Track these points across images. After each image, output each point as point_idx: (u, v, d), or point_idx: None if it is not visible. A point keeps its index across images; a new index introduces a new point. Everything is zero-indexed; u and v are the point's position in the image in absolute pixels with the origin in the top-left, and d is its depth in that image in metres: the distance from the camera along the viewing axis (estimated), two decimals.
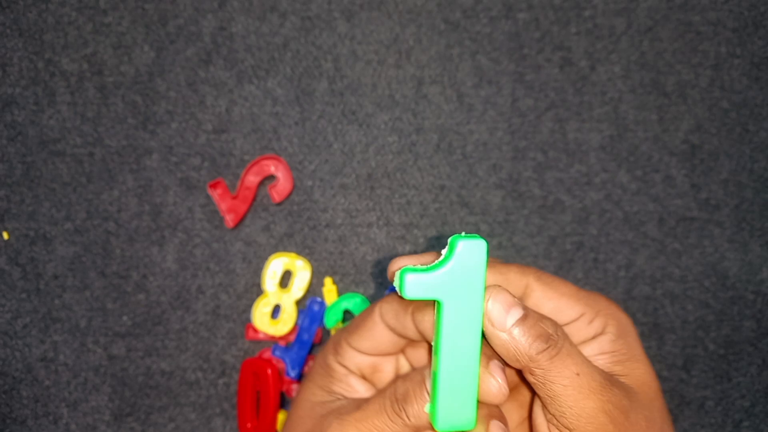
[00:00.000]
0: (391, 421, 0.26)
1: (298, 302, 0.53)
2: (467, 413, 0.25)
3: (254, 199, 0.53)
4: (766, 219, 0.56)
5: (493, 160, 0.55)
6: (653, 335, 0.54)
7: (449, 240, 0.25)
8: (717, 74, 0.57)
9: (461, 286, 0.24)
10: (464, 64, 0.55)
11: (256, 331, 0.52)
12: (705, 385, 0.54)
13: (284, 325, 0.52)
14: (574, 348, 0.26)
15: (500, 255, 0.54)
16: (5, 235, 0.53)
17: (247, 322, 0.53)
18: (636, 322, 0.54)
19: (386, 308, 0.29)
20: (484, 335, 0.25)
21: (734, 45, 0.57)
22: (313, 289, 0.54)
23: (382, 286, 0.53)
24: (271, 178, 0.54)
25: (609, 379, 0.26)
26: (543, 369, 0.24)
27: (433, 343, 0.26)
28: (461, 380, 0.25)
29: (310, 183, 0.54)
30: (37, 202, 0.53)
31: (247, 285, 0.53)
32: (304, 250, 0.53)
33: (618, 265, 0.54)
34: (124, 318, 0.53)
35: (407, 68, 0.55)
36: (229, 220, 0.53)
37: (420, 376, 0.26)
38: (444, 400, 0.25)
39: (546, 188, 0.55)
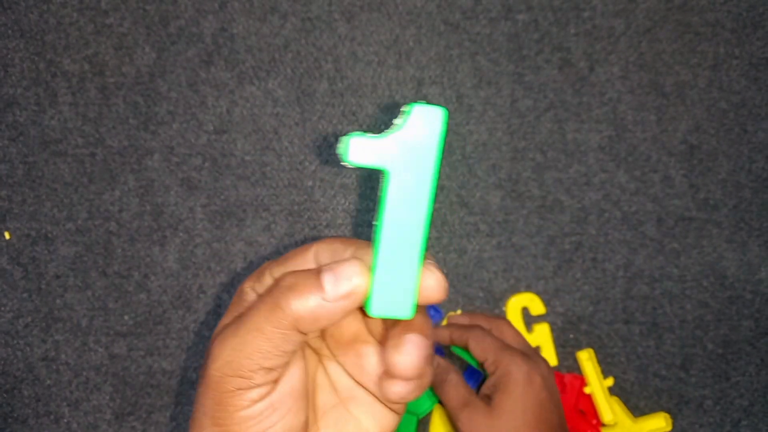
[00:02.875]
0: (270, 321, 0.22)
1: None
2: (406, 300, 0.22)
3: None
4: (765, 219, 0.56)
5: (492, 161, 0.55)
6: (652, 335, 0.54)
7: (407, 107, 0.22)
8: (715, 75, 0.57)
9: (412, 155, 0.21)
10: (464, 65, 0.56)
11: None
12: (704, 384, 0.54)
13: None
14: (458, 380, 0.44)
15: (499, 255, 0.54)
16: (7, 235, 0.53)
17: None
18: (635, 322, 0.54)
19: (324, 246, 0.26)
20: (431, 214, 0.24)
21: (733, 46, 0.57)
22: None
23: None
24: None
25: (468, 400, 0.43)
26: (438, 393, 0.44)
27: (375, 221, 0.23)
28: (402, 262, 0.22)
29: (310, 183, 0.54)
30: (38, 202, 0.54)
31: None
32: None
33: (617, 264, 0.55)
34: (126, 317, 0.53)
35: (407, 69, 0.55)
36: None
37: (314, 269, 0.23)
38: (381, 282, 0.22)
39: (545, 188, 0.55)
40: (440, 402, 0.49)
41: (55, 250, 0.53)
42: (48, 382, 0.52)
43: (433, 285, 0.23)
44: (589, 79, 0.56)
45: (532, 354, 0.46)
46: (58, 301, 0.53)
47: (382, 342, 0.25)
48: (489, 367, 0.44)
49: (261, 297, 0.23)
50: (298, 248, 0.27)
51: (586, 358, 0.52)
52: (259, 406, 0.23)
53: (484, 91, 0.55)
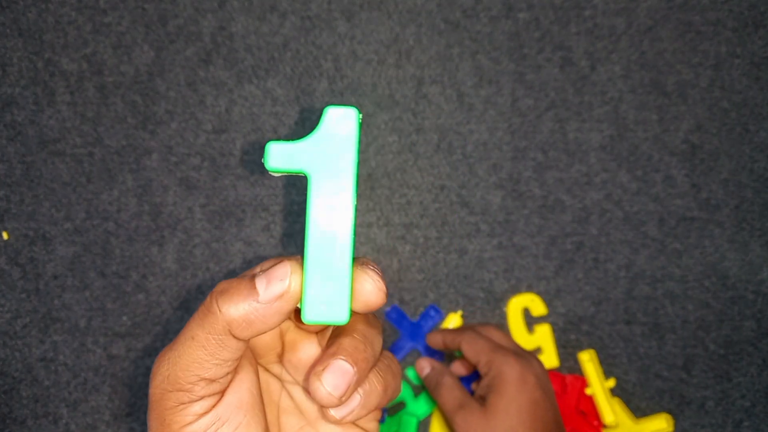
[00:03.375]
0: (203, 328, 0.22)
1: None
2: (340, 304, 0.22)
3: None
4: (767, 219, 0.56)
5: (493, 160, 0.55)
6: (654, 335, 0.54)
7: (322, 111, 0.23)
8: (717, 74, 0.57)
9: (330, 156, 0.22)
10: (464, 63, 0.55)
11: None
12: (705, 385, 0.54)
13: None
14: (453, 383, 0.45)
15: (500, 255, 0.54)
16: (5, 235, 0.53)
17: None
18: (636, 322, 0.54)
19: (270, 261, 0.25)
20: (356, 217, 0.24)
21: (734, 45, 0.57)
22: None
23: None
24: None
25: (464, 401, 0.44)
26: (435, 397, 0.45)
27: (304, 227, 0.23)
28: (332, 265, 0.22)
29: None
30: (36, 202, 0.53)
31: None
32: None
33: (618, 265, 0.54)
34: (124, 318, 0.53)
35: (407, 68, 0.55)
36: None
37: (249, 273, 0.23)
38: (312, 287, 0.22)
39: (546, 188, 0.55)
40: (436, 405, 0.49)
41: (53, 251, 0.53)
42: (46, 382, 0.52)
43: (370, 289, 0.22)
44: (590, 78, 0.56)
45: (524, 354, 0.46)
46: (56, 301, 0.53)
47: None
48: (482, 368, 0.45)
49: (198, 314, 0.23)
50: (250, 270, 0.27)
51: (588, 359, 0.52)
52: (205, 420, 0.22)
53: (485, 90, 0.55)
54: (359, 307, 0.22)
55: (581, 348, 0.53)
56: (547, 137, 0.55)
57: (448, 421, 0.45)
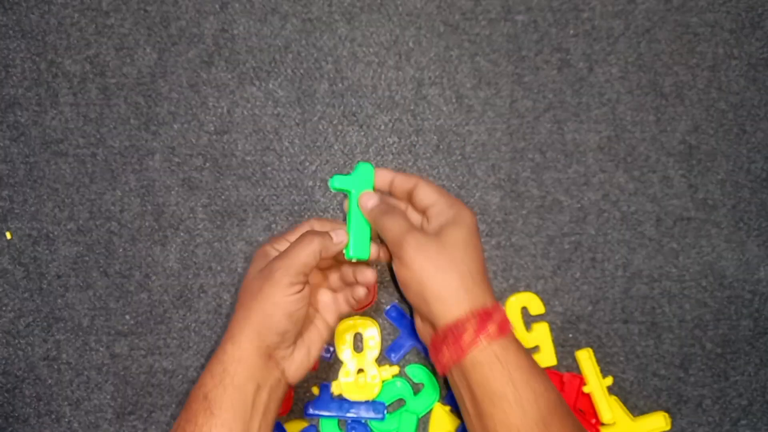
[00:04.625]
0: (311, 248, 0.42)
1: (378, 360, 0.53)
2: (365, 251, 0.45)
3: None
4: (763, 219, 0.56)
5: (491, 161, 0.55)
6: (651, 334, 0.54)
7: (357, 164, 0.46)
8: (714, 75, 0.57)
9: (360, 185, 0.46)
10: (463, 65, 0.56)
11: None
12: (703, 383, 0.54)
13: (371, 388, 0.51)
14: (401, 213, 0.45)
15: (498, 254, 0.54)
16: (8, 235, 0.54)
17: None
18: (633, 321, 0.54)
19: (315, 222, 0.48)
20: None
21: (732, 46, 0.57)
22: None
23: (382, 285, 0.54)
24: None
25: (413, 227, 0.43)
26: (380, 225, 0.44)
27: (347, 213, 0.46)
28: (361, 232, 0.45)
29: (311, 183, 0.55)
30: (39, 202, 0.54)
31: None
32: None
33: (616, 264, 0.55)
34: (127, 317, 0.53)
35: (407, 70, 0.56)
36: None
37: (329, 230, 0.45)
38: (353, 241, 0.45)
39: (544, 188, 0.55)
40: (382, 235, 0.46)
41: (56, 250, 0.54)
42: (49, 381, 0.53)
43: (376, 248, 0.46)
44: (588, 80, 0.56)
45: None
46: (59, 300, 0.53)
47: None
48: (438, 205, 0.44)
49: (300, 239, 0.43)
50: (299, 225, 0.48)
51: (585, 358, 0.52)
52: (297, 295, 0.41)
53: (484, 91, 0.56)
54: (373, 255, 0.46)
55: (579, 346, 0.54)
56: (545, 138, 0.55)
57: (395, 247, 0.43)
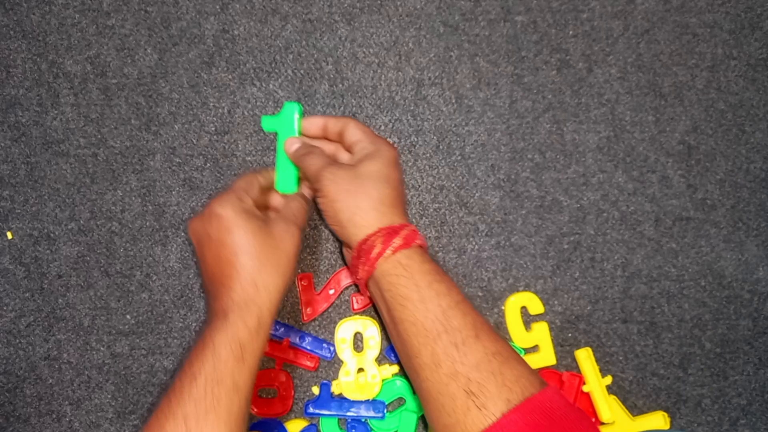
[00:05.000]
0: (251, 184, 0.46)
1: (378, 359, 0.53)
2: (291, 185, 0.50)
3: (334, 302, 0.53)
4: (762, 219, 0.56)
5: (491, 161, 0.55)
6: (650, 333, 0.54)
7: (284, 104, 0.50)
8: (713, 76, 0.57)
9: (287, 124, 0.50)
10: (463, 66, 0.56)
11: None
12: (702, 383, 0.54)
13: (371, 387, 0.51)
14: (320, 152, 0.48)
15: (498, 254, 0.54)
16: (9, 235, 0.54)
17: None
18: (633, 321, 0.54)
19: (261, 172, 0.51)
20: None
21: (731, 47, 0.57)
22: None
23: None
24: (356, 286, 0.53)
25: (331, 162, 0.47)
26: (302, 164, 0.48)
27: (276, 151, 0.50)
28: (287, 168, 0.49)
29: None
30: (41, 203, 0.54)
31: None
32: (305, 249, 0.54)
33: (615, 264, 0.55)
34: (128, 317, 0.53)
35: (407, 70, 0.56)
36: (306, 314, 0.53)
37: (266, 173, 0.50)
38: (279, 176, 0.50)
39: (544, 188, 0.55)
40: (303, 176, 0.50)
41: (57, 250, 0.54)
42: (50, 381, 0.53)
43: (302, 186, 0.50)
44: (587, 80, 0.56)
45: None
46: (60, 300, 0.53)
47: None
48: (362, 142, 0.47)
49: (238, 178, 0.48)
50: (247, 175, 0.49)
51: (585, 357, 0.52)
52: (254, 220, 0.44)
53: (483, 92, 0.56)
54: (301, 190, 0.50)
55: (578, 346, 0.54)
56: (544, 138, 0.56)
57: (315, 181, 0.46)
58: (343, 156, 0.50)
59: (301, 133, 0.50)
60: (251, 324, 0.40)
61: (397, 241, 0.42)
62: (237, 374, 0.38)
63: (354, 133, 0.48)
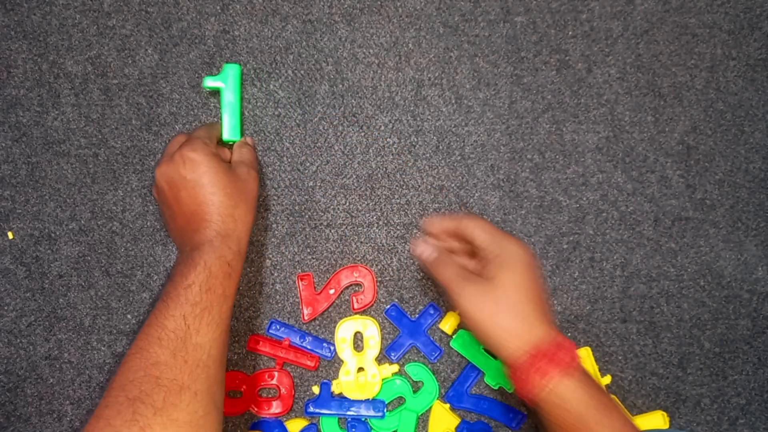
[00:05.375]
0: (210, 133, 0.51)
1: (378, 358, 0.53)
2: (236, 134, 0.53)
3: (334, 301, 0.53)
4: (761, 219, 0.56)
5: (491, 161, 0.56)
6: (649, 333, 0.54)
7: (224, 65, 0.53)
8: (713, 76, 0.57)
9: (228, 82, 0.53)
10: (463, 67, 0.56)
11: (257, 341, 0.53)
12: (701, 383, 0.54)
13: (371, 386, 0.52)
14: (450, 261, 0.46)
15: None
16: (10, 235, 0.54)
17: (249, 320, 0.54)
18: (632, 321, 0.55)
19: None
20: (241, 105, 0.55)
21: (730, 47, 0.57)
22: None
23: (382, 285, 0.54)
24: (357, 286, 0.54)
25: (462, 274, 0.44)
26: (432, 271, 0.46)
27: (220, 105, 0.54)
28: (232, 119, 0.53)
29: (311, 183, 0.55)
30: (41, 202, 0.54)
31: (249, 283, 0.54)
32: (305, 249, 0.54)
33: (614, 264, 0.55)
34: (128, 316, 0.53)
35: (407, 71, 0.56)
36: (306, 314, 0.53)
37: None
38: (226, 128, 0.53)
39: (543, 189, 0.55)
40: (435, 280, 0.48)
41: (58, 250, 0.54)
42: (51, 380, 0.53)
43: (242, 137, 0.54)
44: (586, 81, 0.56)
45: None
46: (61, 300, 0.53)
47: None
48: (489, 247, 0.45)
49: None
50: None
51: (584, 357, 0.53)
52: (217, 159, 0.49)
53: (483, 92, 0.56)
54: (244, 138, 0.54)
55: (578, 345, 0.54)
56: (543, 139, 0.56)
57: (448, 293, 0.44)
58: (469, 263, 0.47)
59: (240, 93, 0.54)
60: (234, 249, 0.45)
61: (551, 370, 0.40)
62: (226, 285, 0.44)
63: (479, 236, 0.45)
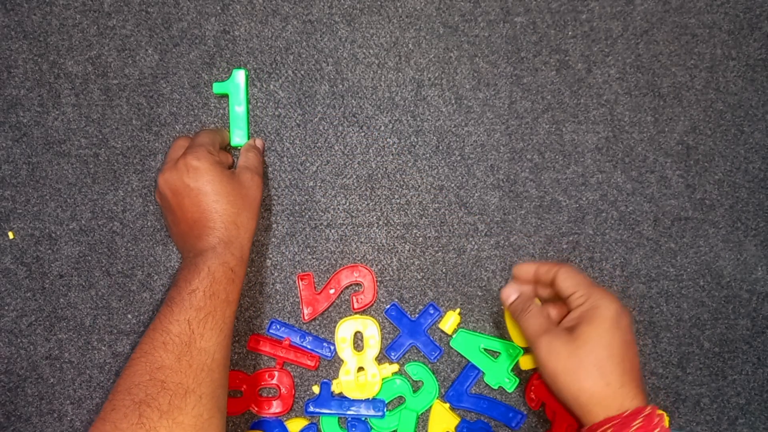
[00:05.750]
0: (214, 140, 0.51)
1: (378, 358, 0.53)
2: (244, 139, 0.54)
3: (334, 301, 0.54)
4: (761, 219, 0.56)
5: (490, 161, 0.56)
6: (648, 333, 0.55)
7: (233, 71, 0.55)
8: (712, 76, 0.57)
9: (235, 87, 0.54)
10: (463, 67, 0.56)
11: (257, 341, 0.53)
12: (700, 382, 0.55)
13: (371, 386, 0.52)
14: (537, 312, 0.45)
15: (497, 254, 0.55)
16: (11, 235, 0.54)
17: (249, 320, 0.54)
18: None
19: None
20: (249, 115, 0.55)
21: (729, 47, 0.58)
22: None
23: (382, 285, 0.54)
24: (357, 286, 0.54)
25: (548, 327, 0.44)
26: (519, 322, 0.46)
27: (229, 110, 0.55)
28: (239, 124, 0.54)
29: (311, 184, 0.55)
30: (42, 203, 0.54)
31: (249, 283, 0.54)
32: (305, 249, 0.54)
33: (613, 264, 0.55)
34: (129, 316, 0.53)
35: (407, 71, 0.56)
36: (306, 313, 0.53)
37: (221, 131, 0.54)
38: (233, 132, 0.54)
39: (543, 189, 0.56)
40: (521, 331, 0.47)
41: (58, 250, 0.54)
42: (51, 380, 0.53)
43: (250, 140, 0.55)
44: (586, 81, 0.56)
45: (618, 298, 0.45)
46: (61, 300, 0.54)
47: None
48: (577, 299, 0.44)
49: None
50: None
51: None
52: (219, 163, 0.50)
53: (483, 92, 0.56)
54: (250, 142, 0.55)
55: None
56: (543, 139, 0.56)
57: (531, 346, 0.44)
58: (556, 312, 0.47)
59: (248, 97, 0.55)
60: (237, 255, 0.46)
61: None
62: (229, 291, 0.45)
63: (569, 286, 0.44)
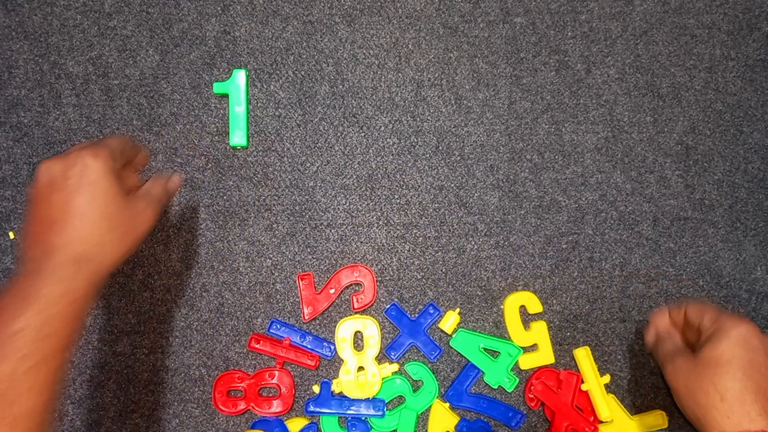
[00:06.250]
0: (123, 151, 0.44)
1: (378, 357, 0.53)
2: (243, 140, 0.54)
3: (334, 301, 0.54)
4: (760, 219, 0.57)
5: (490, 162, 0.56)
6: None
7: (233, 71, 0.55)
8: (711, 76, 0.57)
9: (236, 87, 0.54)
10: (462, 67, 0.56)
11: (258, 341, 0.53)
12: None
13: (371, 386, 0.52)
14: (672, 338, 0.47)
15: (497, 254, 0.55)
16: (11, 235, 0.54)
17: (249, 319, 0.54)
18: (631, 320, 0.55)
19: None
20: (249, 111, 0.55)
21: (729, 48, 0.58)
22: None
23: (382, 284, 0.54)
24: (357, 286, 0.54)
25: (679, 350, 0.45)
26: (654, 350, 0.49)
27: (228, 111, 0.55)
28: (239, 126, 0.54)
29: (311, 184, 0.55)
30: None
31: (250, 283, 0.54)
32: (306, 249, 0.54)
33: (613, 264, 0.55)
34: (129, 316, 0.53)
35: (407, 72, 0.56)
36: (307, 313, 0.53)
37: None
38: (232, 133, 0.54)
39: (542, 189, 0.56)
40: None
41: None
42: None
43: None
44: (585, 81, 0.57)
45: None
46: None
47: None
48: (706, 324, 0.44)
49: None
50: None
51: (583, 356, 0.53)
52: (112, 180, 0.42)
53: (483, 93, 0.56)
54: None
55: (577, 345, 0.54)
56: (543, 139, 0.56)
57: (662, 372, 0.46)
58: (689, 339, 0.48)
59: (248, 98, 0.55)
60: (90, 280, 0.38)
61: None
62: (70, 330, 0.36)
63: (695, 314, 0.45)
